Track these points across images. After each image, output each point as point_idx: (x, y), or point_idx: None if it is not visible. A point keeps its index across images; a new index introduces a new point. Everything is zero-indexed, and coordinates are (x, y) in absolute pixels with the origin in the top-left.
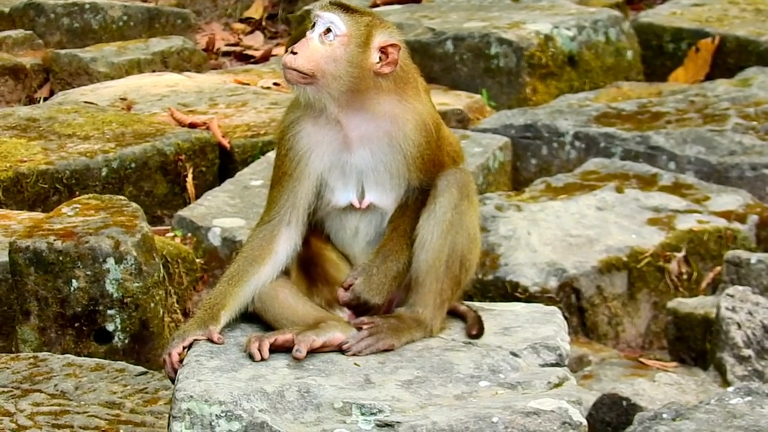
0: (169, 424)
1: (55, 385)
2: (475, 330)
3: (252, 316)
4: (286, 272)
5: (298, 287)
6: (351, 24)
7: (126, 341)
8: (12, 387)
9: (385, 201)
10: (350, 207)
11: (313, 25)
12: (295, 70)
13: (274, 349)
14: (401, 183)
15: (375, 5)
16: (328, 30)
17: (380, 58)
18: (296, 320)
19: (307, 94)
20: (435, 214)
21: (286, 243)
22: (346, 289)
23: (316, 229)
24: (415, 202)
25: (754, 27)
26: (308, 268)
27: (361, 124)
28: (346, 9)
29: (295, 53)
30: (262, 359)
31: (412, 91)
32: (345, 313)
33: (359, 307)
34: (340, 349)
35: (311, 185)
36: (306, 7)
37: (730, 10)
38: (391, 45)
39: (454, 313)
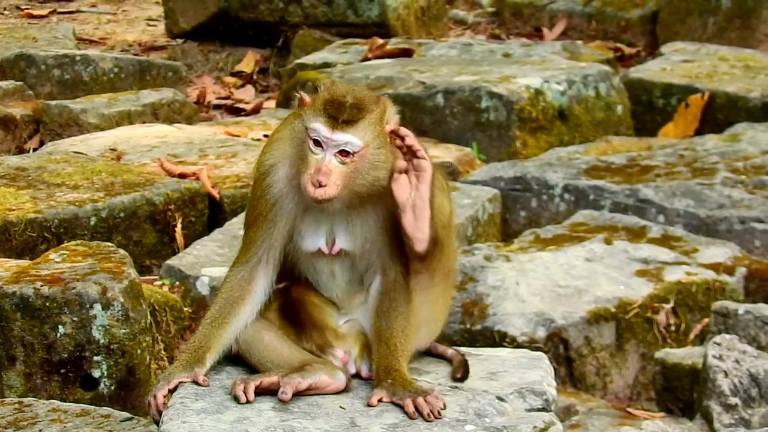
0: None
1: (40, 431)
2: (460, 373)
3: (237, 359)
4: (267, 318)
5: (287, 336)
6: (365, 132)
7: (112, 388)
8: None
9: (356, 247)
10: (319, 252)
11: (316, 141)
12: (328, 200)
13: (260, 391)
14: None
15: (366, 59)
16: (344, 150)
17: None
18: (281, 363)
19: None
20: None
21: (264, 281)
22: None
23: (297, 276)
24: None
25: (743, 83)
26: (293, 315)
27: None
28: (354, 120)
29: (322, 185)
30: (248, 401)
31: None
32: (337, 359)
33: None
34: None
35: (284, 228)
36: (297, 61)
37: (719, 67)
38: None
39: (440, 357)
